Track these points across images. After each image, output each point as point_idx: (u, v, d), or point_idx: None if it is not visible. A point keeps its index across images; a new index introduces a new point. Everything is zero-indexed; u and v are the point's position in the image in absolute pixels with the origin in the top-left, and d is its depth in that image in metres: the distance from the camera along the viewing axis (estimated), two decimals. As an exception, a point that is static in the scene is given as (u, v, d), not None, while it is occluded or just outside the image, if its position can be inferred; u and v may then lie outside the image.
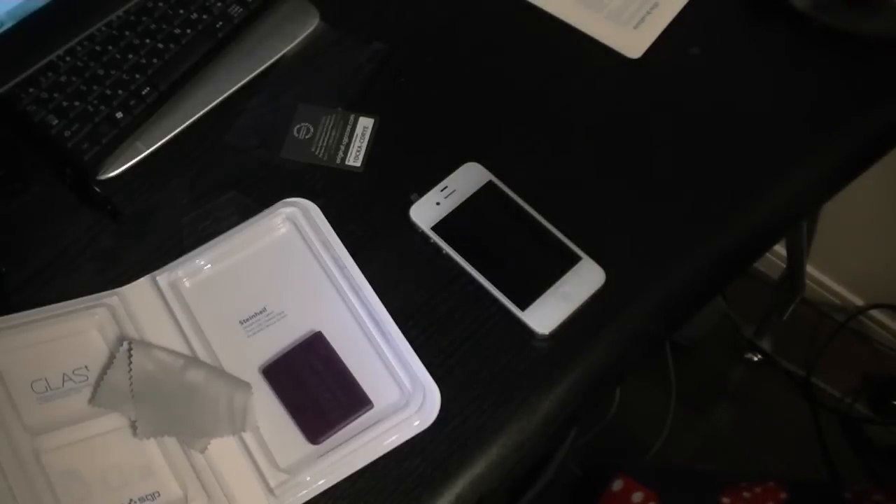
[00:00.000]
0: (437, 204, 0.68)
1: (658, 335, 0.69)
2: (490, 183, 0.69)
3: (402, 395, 0.62)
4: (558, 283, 0.65)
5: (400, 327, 0.64)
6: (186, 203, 0.70)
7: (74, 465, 0.59)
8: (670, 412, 1.32)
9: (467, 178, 0.69)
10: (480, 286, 0.66)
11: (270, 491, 0.58)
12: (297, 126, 0.74)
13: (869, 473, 1.35)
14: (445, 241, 0.67)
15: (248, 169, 0.72)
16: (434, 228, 0.67)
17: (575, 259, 0.66)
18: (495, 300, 0.65)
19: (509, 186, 0.69)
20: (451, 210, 0.68)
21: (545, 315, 0.64)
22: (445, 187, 0.69)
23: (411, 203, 0.68)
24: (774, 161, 0.72)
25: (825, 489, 0.81)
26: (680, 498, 0.80)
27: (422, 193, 0.69)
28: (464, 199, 0.69)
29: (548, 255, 0.66)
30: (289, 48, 0.78)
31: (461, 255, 0.66)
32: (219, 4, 0.76)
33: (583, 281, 0.65)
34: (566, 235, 0.67)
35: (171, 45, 0.74)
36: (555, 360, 0.64)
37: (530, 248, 0.67)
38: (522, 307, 0.64)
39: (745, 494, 0.76)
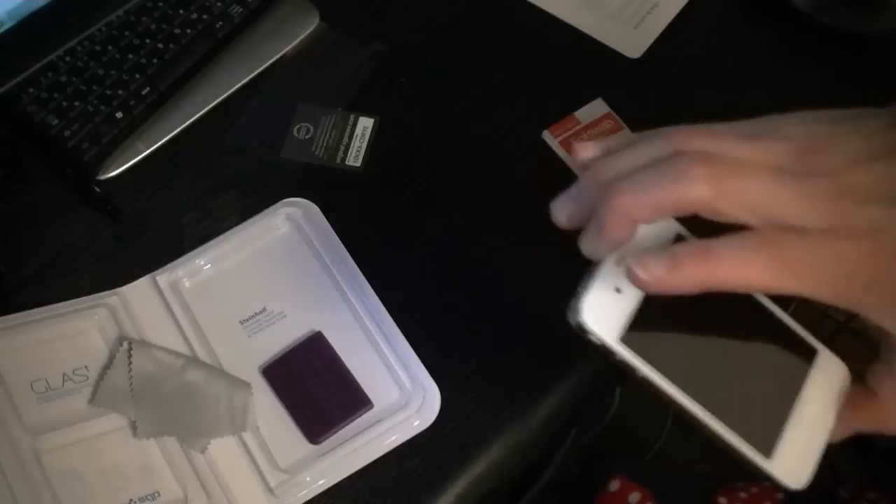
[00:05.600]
0: (618, 291, 0.38)
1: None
2: None
3: (402, 395, 0.62)
4: None
5: (400, 327, 0.64)
6: (186, 203, 0.70)
7: (74, 465, 0.59)
8: (670, 412, 1.31)
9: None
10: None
11: (270, 491, 0.58)
12: (297, 126, 0.74)
13: (869, 473, 1.35)
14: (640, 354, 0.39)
15: (248, 169, 0.72)
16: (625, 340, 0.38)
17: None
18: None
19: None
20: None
21: None
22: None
23: (577, 300, 0.38)
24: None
25: (821, 487, 0.81)
26: (676, 498, 0.80)
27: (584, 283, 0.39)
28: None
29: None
30: (289, 48, 0.78)
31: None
32: (219, 4, 0.76)
33: None
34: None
35: (171, 45, 0.74)
36: (555, 360, 0.64)
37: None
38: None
39: (742, 494, 0.76)
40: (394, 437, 0.60)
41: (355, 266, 0.66)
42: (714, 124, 0.39)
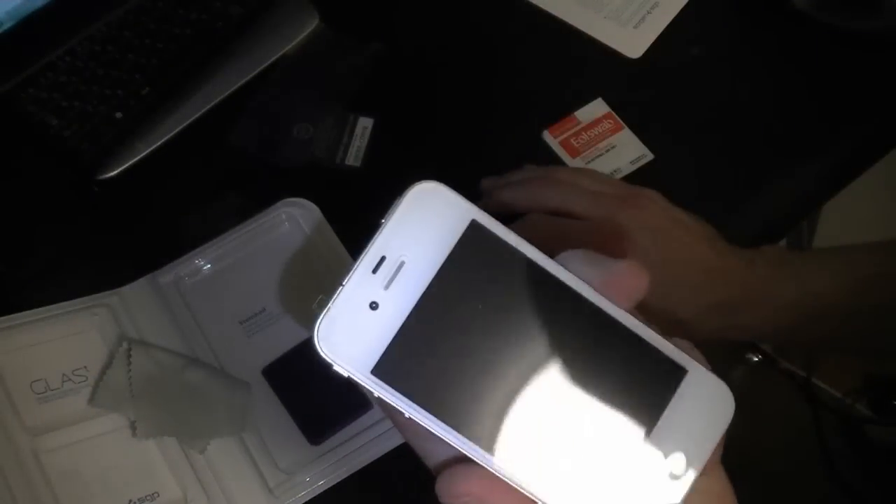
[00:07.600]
0: (373, 308, 0.31)
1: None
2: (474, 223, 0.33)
3: (402, 395, 0.62)
4: None
5: (400, 327, 0.64)
6: (186, 203, 0.70)
7: (74, 465, 0.59)
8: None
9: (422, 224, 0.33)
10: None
11: (270, 491, 0.58)
12: (297, 126, 0.74)
13: (869, 473, 1.35)
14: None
15: (248, 169, 0.72)
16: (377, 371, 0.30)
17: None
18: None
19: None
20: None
21: None
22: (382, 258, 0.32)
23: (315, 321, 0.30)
24: (774, 161, 0.72)
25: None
26: None
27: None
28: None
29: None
30: (289, 48, 0.78)
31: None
32: (218, 4, 0.76)
33: None
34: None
35: (171, 45, 0.74)
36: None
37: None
38: None
39: None
40: (394, 438, 0.60)
41: (355, 266, 0.66)
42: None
